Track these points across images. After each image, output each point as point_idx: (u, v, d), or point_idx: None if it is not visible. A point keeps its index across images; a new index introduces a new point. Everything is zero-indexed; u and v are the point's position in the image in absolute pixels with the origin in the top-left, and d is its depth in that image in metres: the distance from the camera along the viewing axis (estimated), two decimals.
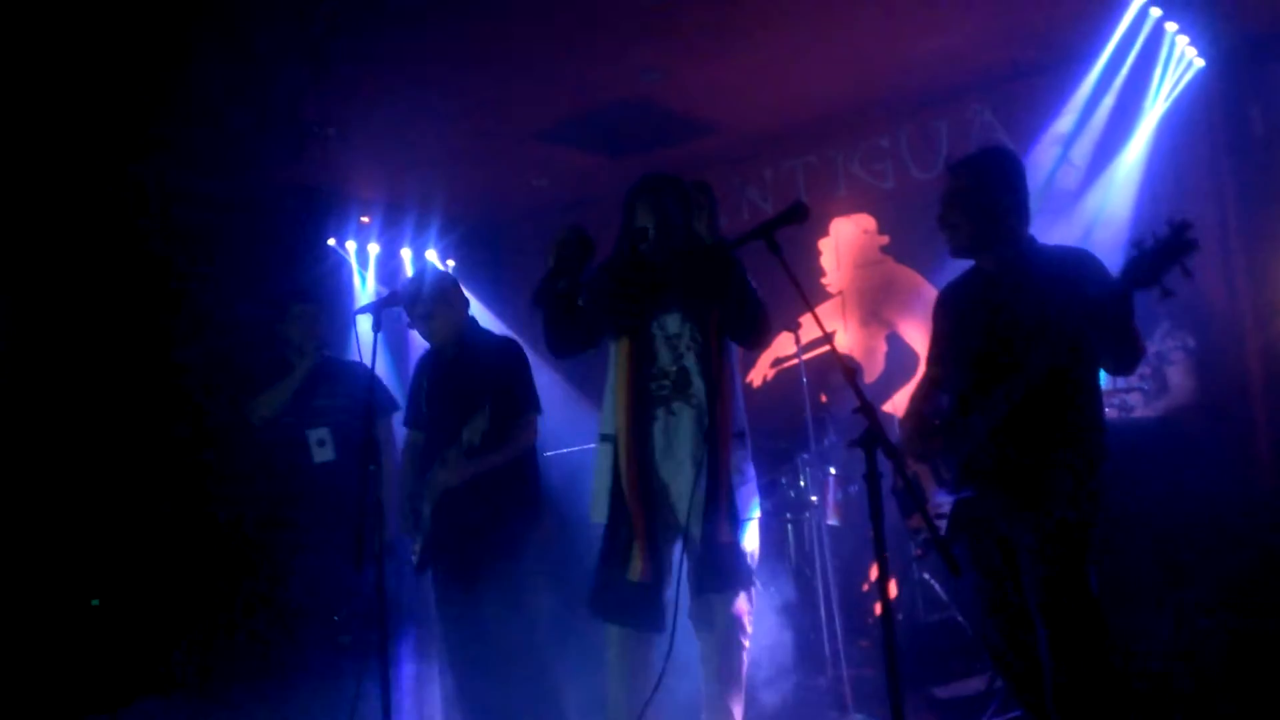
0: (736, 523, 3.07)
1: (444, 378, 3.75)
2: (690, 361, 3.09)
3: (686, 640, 3.13)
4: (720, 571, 3.04)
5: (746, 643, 3.20)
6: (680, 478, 3.06)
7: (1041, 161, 4.88)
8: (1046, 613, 2.62)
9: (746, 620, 3.19)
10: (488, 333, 3.88)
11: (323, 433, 4.14)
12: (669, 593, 3.07)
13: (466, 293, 3.89)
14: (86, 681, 4.09)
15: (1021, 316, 2.71)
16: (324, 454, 4.15)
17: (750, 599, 3.21)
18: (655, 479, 3.09)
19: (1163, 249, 2.37)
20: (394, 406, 4.27)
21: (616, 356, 3.17)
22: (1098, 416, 2.79)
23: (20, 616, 4.20)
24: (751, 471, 3.21)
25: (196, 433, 4.86)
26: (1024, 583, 2.69)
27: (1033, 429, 2.67)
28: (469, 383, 3.69)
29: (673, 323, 3.12)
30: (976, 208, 2.80)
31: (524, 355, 3.81)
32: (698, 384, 3.07)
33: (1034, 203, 2.89)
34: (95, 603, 4.37)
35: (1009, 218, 2.80)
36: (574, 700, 3.61)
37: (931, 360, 3.10)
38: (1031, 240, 2.85)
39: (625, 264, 3.13)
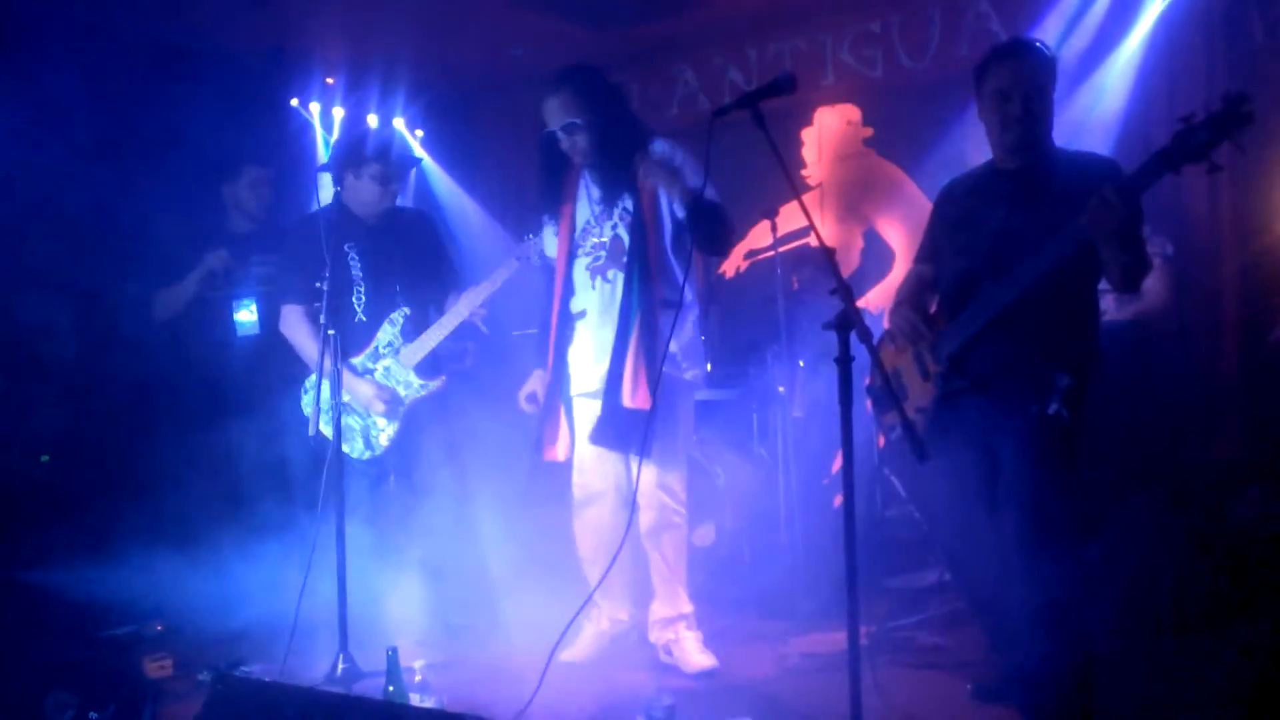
0: (643, 388, 3.18)
1: (375, 248, 3.63)
2: (622, 231, 3.30)
3: None
4: (614, 432, 3.23)
5: (676, 507, 3.35)
6: (607, 343, 3.29)
7: None
8: (1024, 511, 2.61)
9: (674, 484, 3.34)
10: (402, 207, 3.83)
11: (248, 304, 4.03)
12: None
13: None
14: (33, 537, 4.05)
15: (1038, 216, 2.65)
16: (248, 328, 4.04)
17: (671, 468, 3.34)
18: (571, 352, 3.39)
19: (1215, 122, 2.30)
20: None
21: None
22: (1093, 322, 2.77)
23: None
24: (688, 342, 3.35)
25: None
26: (1003, 483, 2.68)
27: (1031, 325, 2.64)
28: (403, 260, 3.66)
29: (601, 198, 3.35)
30: (1043, 108, 2.74)
31: (438, 228, 3.85)
32: (631, 253, 3.26)
33: None
34: (45, 459, 4.30)
35: (1051, 118, 2.77)
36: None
37: (925, 256, 3.04)
38: (1052, 142, 2.78)
39: (546, 158, 3.37)
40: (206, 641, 3.71)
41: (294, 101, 5.63)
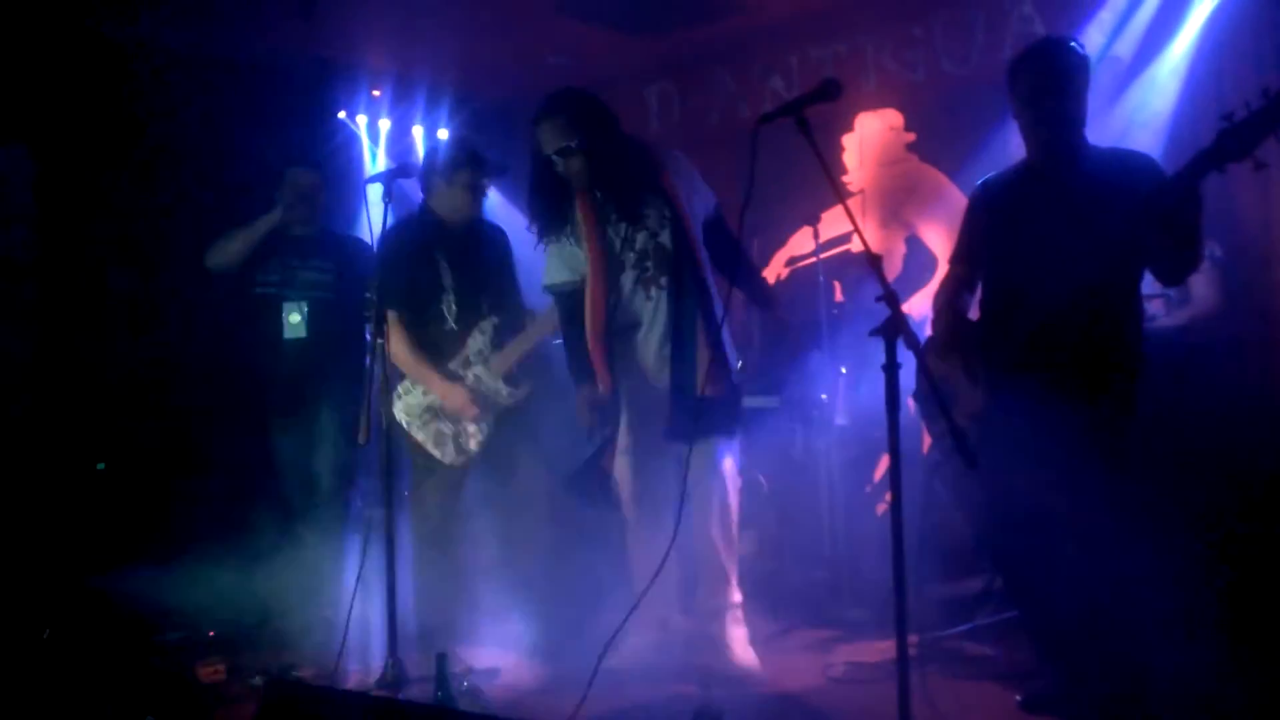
0: (721, 376, 3.25)
1: (464, 255, 3.68)
2: (666, 240, 3.31)
3: None
4: (693, 422, 3.17)
5: (732, 486, 3.37)
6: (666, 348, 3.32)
7: None
8: (1077, 517, 2.59)
9: (729, 465, 3.36)
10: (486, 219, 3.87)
11: (300, 307, 4.06)
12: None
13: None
14: (89, 545, 4.14)
15: (1078, 216, 2.63)
16: (295, 330, 4.06)
17: (728, 454, 3.37)
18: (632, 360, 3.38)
19: (1258, 118, 2.28)
20: None
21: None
22: (1140, 324, 2.74)
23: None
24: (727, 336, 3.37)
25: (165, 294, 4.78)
26: (1054, 489, 2.65)
27: (1080, 329, 2.61)
28: (489, 268, 3.72)
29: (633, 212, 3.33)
30: (1080, 99, 2.72)
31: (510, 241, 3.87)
32: (679, 257, 3.29)
33: None
34: (101, 466, 4.39)
35: (1084, 115, 2.75)
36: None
37: (961, 258, 3.02)
38: (1085, 139, 2.76)
39: (540, 182, 3.37)
40: (259, 646, 3.77)
41: (341, 114, 5.73)
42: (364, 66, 5.63)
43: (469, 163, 3.64)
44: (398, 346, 3.60)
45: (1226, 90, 4.47)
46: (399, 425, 3.64)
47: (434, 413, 3.67)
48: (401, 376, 3.68)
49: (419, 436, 3.66)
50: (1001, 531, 2.85)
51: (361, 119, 5.84)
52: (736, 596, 3.40)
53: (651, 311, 3.35)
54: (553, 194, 3.38)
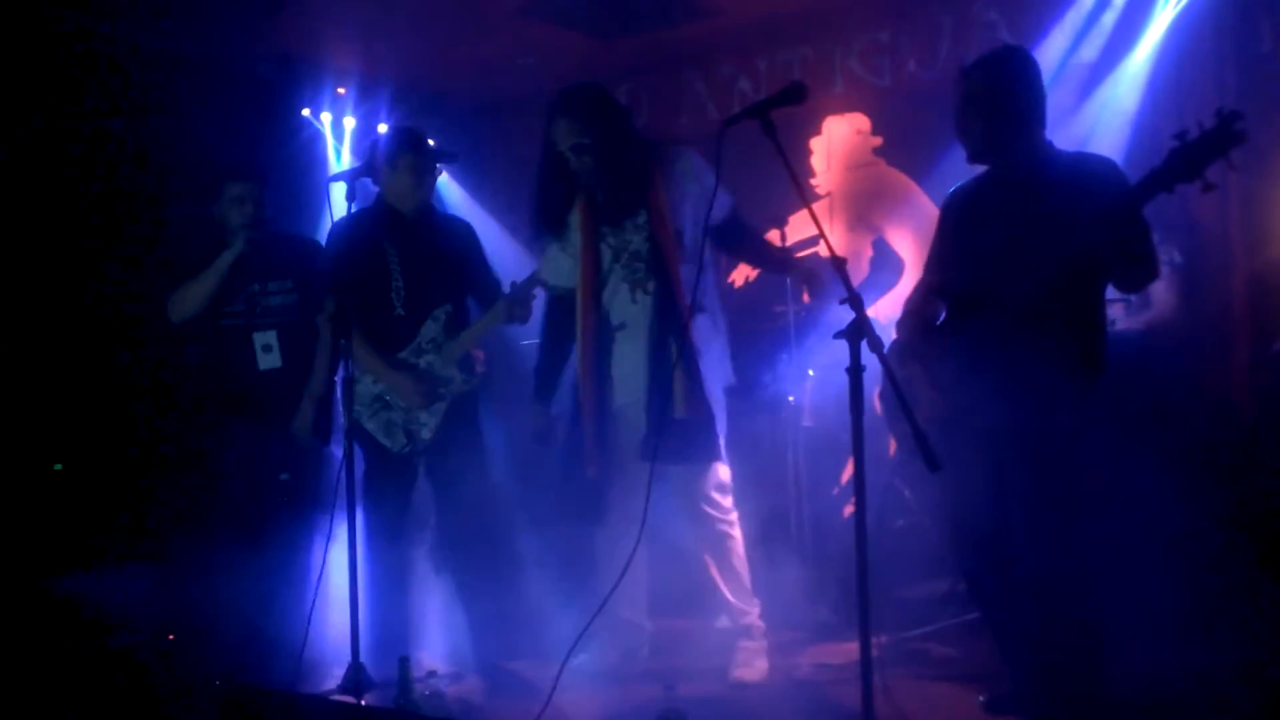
0: (695, 398, 3.20)
1: (414, 243, 3.64)
2: (640, 244, 3.30)
3: None
4: (667, 445, 3.15)
5: (723, 516, 3.37)
6: (643, 355, 3.30)
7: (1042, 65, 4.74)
8: (1036, 520, 2.61)
9: (715, 494, 3.34)
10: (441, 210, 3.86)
11: (270, 336, 3.93)
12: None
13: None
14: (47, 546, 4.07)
15: (1039, 221, 2.65)
16: (270, 360, 3.92)
17: (720, 481, 3.36)
18: (613, 365, 3.36)
19: (1208, 140, 2.30)
20: None
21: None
22: (1103, 329, 2.76)
23: None
24: (717, 349, 3.37)
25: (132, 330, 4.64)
26: (1014, 492, 2.67)
27: (1040, 333, 2.63)
28: (443, 258, 3.66)
29: (627, 214, 3.32)
30: (993, 110, 2.73)
31: (475, 233, 3.85)
32: (655, 265, 3.28)
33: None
34: (58, 467, 4.32)
35: (1026, 120, 2.75)
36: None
37: (933, 266, 3.04)
38: (1049, 144, 2.78)
39: (547, 177, 3.37)
40: (220, 650, 3.72)
41: (305, 111, 5.67)
42: (329, 64, 5.58)
43: (412, 147, 3.61)
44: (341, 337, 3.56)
45: (1188, 100, 4.54)
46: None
47: (383, 401, 3.63)
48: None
49: (368, 426, 3.62)
50: (963, 533, 2.88)
51: (326, 116, 5.78)
52: (745, 618, 3.41)
53: (636, 315, 3.34)
54: (558, 190, 3.38)
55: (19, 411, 4.43)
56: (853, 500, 4.81)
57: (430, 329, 3.65)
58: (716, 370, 3.38)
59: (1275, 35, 4.50)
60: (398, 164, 3.59)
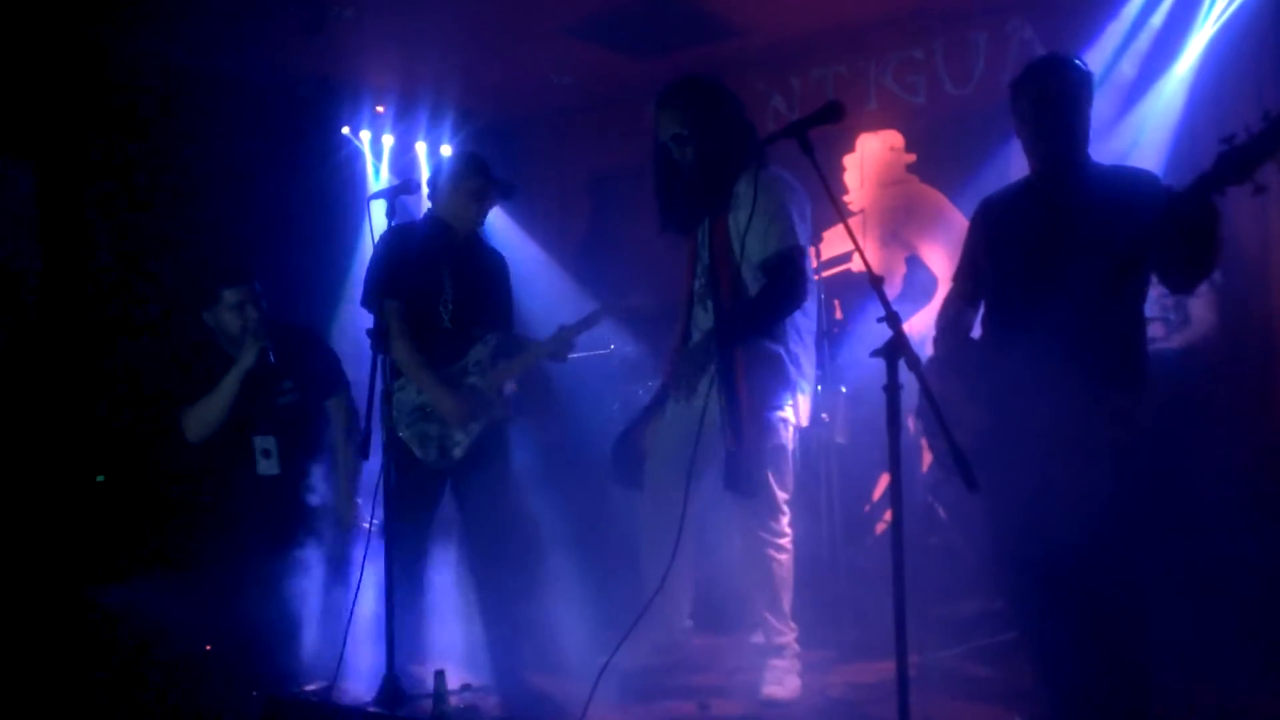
0: (739, 430, 3.15)
1: (465, 262, 3.69)
2: (706, 255, 3.27)
3: None
4: (728, 476, 3.19)
5: (774, 539, 3.31)
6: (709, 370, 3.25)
7: None
8: (1087, 540, 2.57)
9: (771, 520, 3.29)
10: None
11: (269, 442, 3.85)
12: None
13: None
14: (88, 558, 4.13)
15: (1083, 233, 2.63)
16: (269, 466, 3.85)
17: (770, 504, 3.29)
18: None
19: (1258, 142, 2.27)
20: (346, 388, 4.05)
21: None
22: (1144, 343, 2.74)
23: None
24: (778, 374, 3.28)
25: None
26: (1059, 508, 2.64)
27: (1085, 347, 2.60)
28: (488, 284, 3.73)
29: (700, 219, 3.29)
30: (1067, 118, 2.73)
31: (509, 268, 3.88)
32: (713, 283, 3.23)
33: None
34: (100, 479, 4.39)
35: (1085, 133, 2.75)
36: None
37: (964, 275, 3.02)
38: (1089, 157, 2.77)
39: (660, 172, 3.32)
40: (259, 661, 3.76)
41: (345, 129, 5.76)
42: (368, 83, 5.66)
43: (477, 171, 3.68)
44: (398, 341, 3.54)
45: (1228, 115, 4.50)
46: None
47: (422, 413, 3.65)
48: (396, 374, 3.60)
49: (403, 435, 3.64)
50: (1007, 551, 2.83)
51: (365, 135, 5.87)
52: (780, 638, 3.36)
53: (699, 324, 3.34)
54: (671, 182, 3.33)
55: (62, 423, 4.51)
56: (885, 517, 4.80)
57: (479, 351, 3.69)
58: (770, 398, 3.27)
59: None
60: (461, 186, 3.65)
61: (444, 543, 3.76)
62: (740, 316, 3.21)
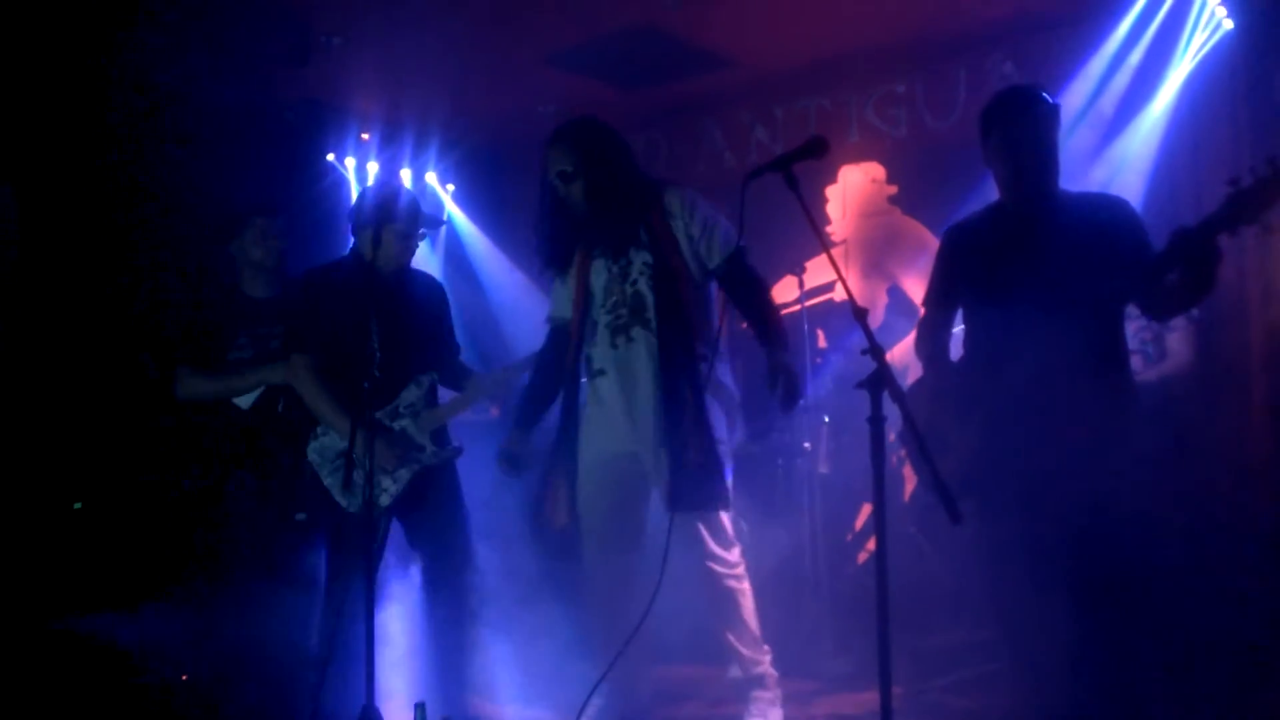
0: (706, 442, 3.10)
1: (393, 304, 3.47)
2: (644, 287, 3.20)
3: None
4: (686, 492, 3.09)
5: (729, 570, 3.23)
6: (643, 402, 3.19)
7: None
8: (1088, 564, 2.58)
9: (719, 549, 3.21)
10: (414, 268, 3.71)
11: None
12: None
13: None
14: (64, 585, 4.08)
15: (1060, 259, 2.66)
16: (249, 400, 3.80)
17: (723, 538, 3.23)
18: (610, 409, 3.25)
19: (1264, 186, 2.34)
20: None
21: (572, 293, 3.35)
22: (1127, 362, 2.77)
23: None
24: (727, 391, 3.27)
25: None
26: (1058, 539, 2.64)
27: (1071, 370, 2.62)
28: (420, 320, 3.57)
29: (619, 252, 3.24)
30: (1045, 148, 2.79)
31: (447, 296, 3.74)
32: (657, 308, 3.17)
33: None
34: (78, 506, 4.34)
35: (1056, 160, 2.81)
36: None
37: (935, 300, 3.04)
38: (1058, 184, 2.83)
39: (545, 208, 3.29)
40: (231, 690, 3.71)
41: (330, 156, 5.76)
42: (354, 110, 5.67)
43: (402, 209, 3.45)
44: (309, 391, 3.44)
45: (1203, 154, 4.57)
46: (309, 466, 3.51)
47: (346, 459, 3.33)
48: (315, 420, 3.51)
49: (327, 482, 3.47)
50: (995, 576, 2.83)
51: (350, 161, 5.88)
52: (756, 669, 3.30)
53: (616, 361, 3.23)
54: (556, 221, 3.31)
55: (40, 450, 4.46)
56: (867, 546, 4.80)
57: (411, 393, 3.51)
58: (723, 416, 3.26)
59: None
60: (388, 227, 3.40)
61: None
62: (772, 331, 3.18)
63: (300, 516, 3.79)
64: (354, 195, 5.80)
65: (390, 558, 3.58)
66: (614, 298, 3.25)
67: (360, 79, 5.18)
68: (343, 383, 3.42)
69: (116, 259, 4.79)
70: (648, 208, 3.22)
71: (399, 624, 3.52)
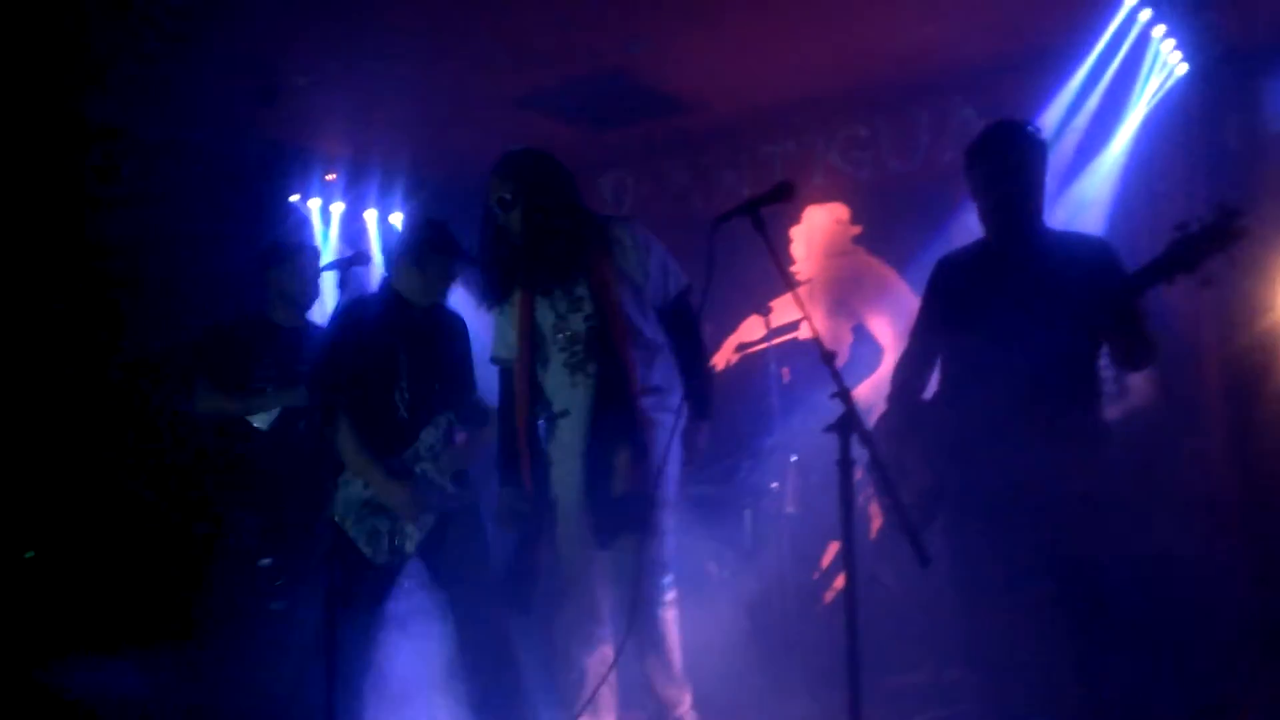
0: (635, 475, 3.02)
1: (422, 342, 3.43)
2: (578, 324, 3.13)
3: None
4: (611, 521, 3.03)
5: (662, 608, 3.09)
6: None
7: None
8: (1069, 601, 2.59)
9: (652, 584, 3.06)
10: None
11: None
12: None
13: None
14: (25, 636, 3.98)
15: (1037, 297, 2.68)
16: (263, 422, 3.90)
17: (661, 561, 3.09)
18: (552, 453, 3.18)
19: (1209, 234, 2.32)
20: None
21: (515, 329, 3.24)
22: (1100, 400, 2.79)
23: None
24: (668, 423, 3.10)
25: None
26: (1031, 568, 2.64)
27: (1048, 403, 2.63)
28: (447, 358, 3.50)
29: (562, 286, 3.15)
30: (1030, 183, 2.80)
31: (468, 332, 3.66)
32: (593, 345, 3.10)
33: None
34: (29, 555, 4.25)
35: (1040, 197, 2.83)
36: None
37: (920, 335, 3.04)
38: (1042, 222, 2.85)
39: (484, 237, 3.22)
40: None
41: (294, 197, 5.73)
42: (319, 151, 5.65)
43: (444, 247, 3.42)
44: (343, 436, 3.33)
45: (1158, 192, 4.67)
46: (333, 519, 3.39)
47: (372, 508, 3.36)
48: (340, 468, 3.39)
49: (351, 533, 3.34)
50: (975, 609, 2.81)
51: (314, 202, 5.83)
52: (673, 713, 3.14)
53: (577, 399, 3.13)
54: (495, 253, 3.21)
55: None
56: (834, 585, 4.78)
57: (431, 435, 3.40)
58: (672, 452, 3.08)
59: (1241, 131, 4.65)
60: (426, 261, 3.39)
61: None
62: (696, 382, 3.15)
63: (265, 562, 3.74)
64: (317, 236, 5.77)
65: (419, 597, 3.56)
66: (565, 334, 3.16)
67: (325, 119, 5.16)
68: (365, 416, 3.36)
69: (80, 301, 4.74)
70: (588, 240, 3.13)
71: (426, 667, 3.49)
